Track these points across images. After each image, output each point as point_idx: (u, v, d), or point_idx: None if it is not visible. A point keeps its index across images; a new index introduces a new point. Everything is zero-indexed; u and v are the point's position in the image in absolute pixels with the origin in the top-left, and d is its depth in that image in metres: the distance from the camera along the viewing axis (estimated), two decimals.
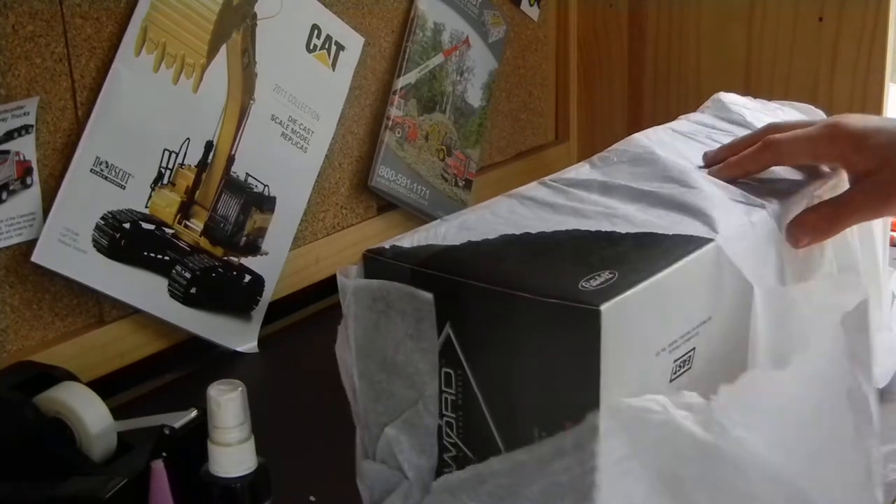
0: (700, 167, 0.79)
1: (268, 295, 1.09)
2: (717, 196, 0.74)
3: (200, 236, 1.03)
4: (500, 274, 0.63)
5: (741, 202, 0.74)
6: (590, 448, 0.58)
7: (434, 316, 0.63)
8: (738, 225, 0.70)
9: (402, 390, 0.67)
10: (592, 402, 0.58)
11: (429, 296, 0.63)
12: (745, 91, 1.27)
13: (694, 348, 0.64)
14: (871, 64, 1.23)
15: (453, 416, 0.65)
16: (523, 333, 0.61)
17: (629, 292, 0.60)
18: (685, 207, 0.72)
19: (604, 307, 0.57)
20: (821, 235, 0.76)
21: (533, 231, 0.69)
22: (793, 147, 0.78)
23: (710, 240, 0.67)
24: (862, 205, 0.77)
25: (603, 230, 0.69)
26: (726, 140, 0.83)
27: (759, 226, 0.73)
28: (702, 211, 0.71)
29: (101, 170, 0.93)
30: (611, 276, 0.61)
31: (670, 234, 0.67)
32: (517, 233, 0.69)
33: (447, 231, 0.70)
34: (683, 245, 0.66)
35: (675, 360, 0.63)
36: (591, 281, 0.60)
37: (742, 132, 0.87)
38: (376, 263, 0.67)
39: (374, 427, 0.69)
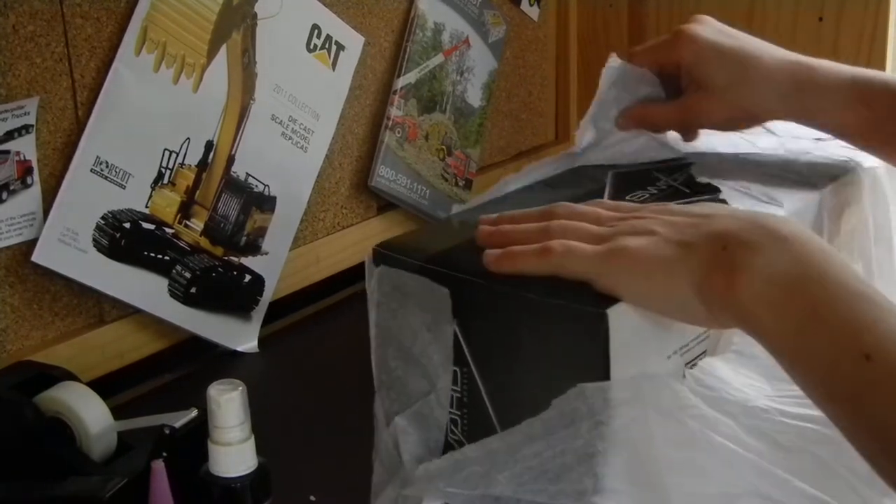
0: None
1: (268, 295, 1.09)
2: (731, 197, 0.74)
3: (200, 236, 1.02)
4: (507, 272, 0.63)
5: (755, 200, 0.74)
6: (559, 433, 0.58)
7: (450, 310, 0.63)
8: None
9: (415, 381, 0.67)
10: None
11: (445, 290, 0.63)
12: None
13: (706, 351, 0.64)
14: (870, 64, 1.23)
15: (458, 413, 0.65)
16: (530, 334, 0.60)
17: None
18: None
19: (610, 310, 0.57)
20: None
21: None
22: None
23: None
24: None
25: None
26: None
27: None
28: None
29: (102, 170, 0.93)
30: None
31: None
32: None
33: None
34: None
35: (687, 364, 0.63)
36: None
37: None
38: (385, 258, 0.67)
39: (384, 415, 0.69)
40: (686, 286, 0.57)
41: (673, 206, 0.65)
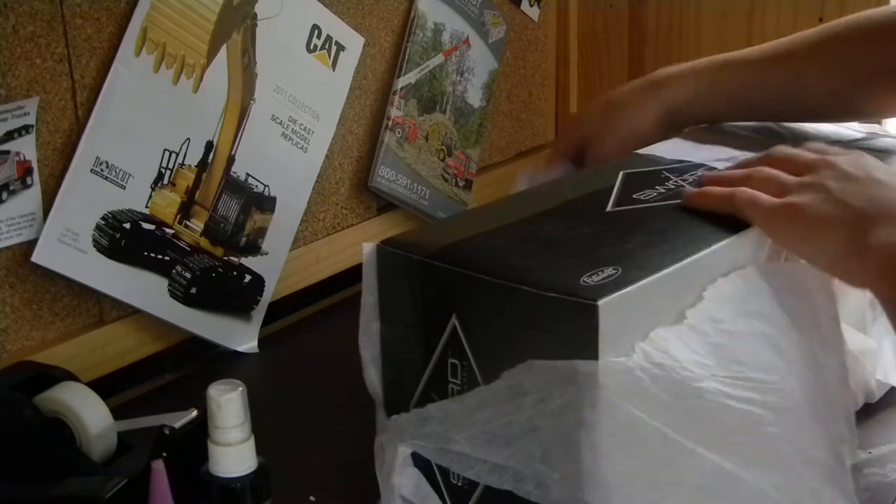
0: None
1: (268, 295, 1.09)
2: None
3: (200, 236, 1.03)
4: (505, 267, 0.63)
5: None
6: (505, 404, 0.60)
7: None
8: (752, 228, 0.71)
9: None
10: None
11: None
12: None
13: None
14: None
15: None
16: (526, 326, 0.61)
17: (629, 288, 0.60)
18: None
19: (601, 302, 0.58)
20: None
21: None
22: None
23: (720, 240, 0.67)
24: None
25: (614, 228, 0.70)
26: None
27: None
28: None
29: (101, 170, 0.93)
30: (614, 271, 0.61)
31: (681, 233, 0.68)
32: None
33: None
34: (693, 244, 0.66)
35: None
36: (594, 276, 0.61)
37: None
38: (388, 254, 0.68)
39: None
40: (839, 243, 0.65)
41: (862, 159, 0.70)
